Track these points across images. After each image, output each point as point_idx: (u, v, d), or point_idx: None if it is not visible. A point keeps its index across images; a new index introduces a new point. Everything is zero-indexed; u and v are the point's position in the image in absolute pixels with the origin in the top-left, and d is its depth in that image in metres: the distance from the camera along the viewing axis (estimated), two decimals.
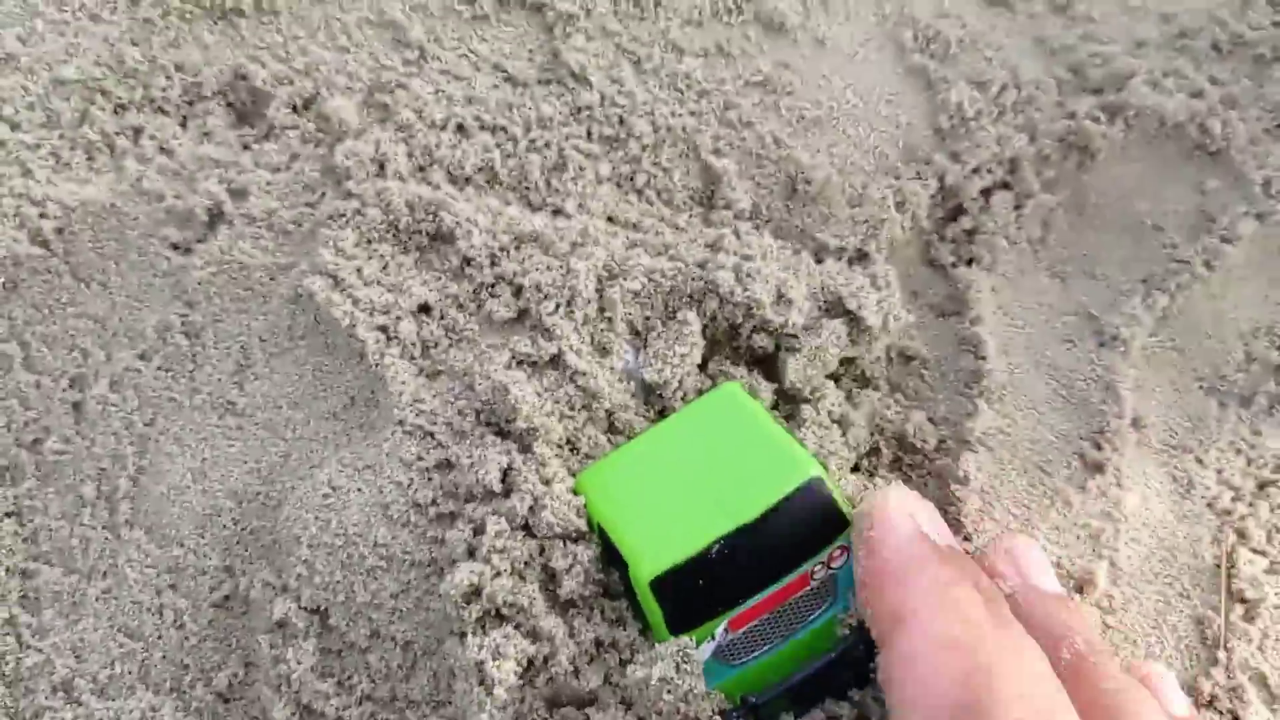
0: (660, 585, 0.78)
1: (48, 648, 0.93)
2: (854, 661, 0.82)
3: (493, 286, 0.97)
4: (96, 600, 0.94)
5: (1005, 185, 1.13)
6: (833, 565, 0.82)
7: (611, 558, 0.83)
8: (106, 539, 0.95)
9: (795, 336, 0.97)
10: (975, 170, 1.11)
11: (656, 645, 0.78)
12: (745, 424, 0.85)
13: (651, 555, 0.79)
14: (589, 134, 1.08)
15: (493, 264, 0.97)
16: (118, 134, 1.08)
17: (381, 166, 1.03)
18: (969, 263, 1.12)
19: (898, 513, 0.79)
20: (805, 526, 0.80)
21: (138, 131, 1.09)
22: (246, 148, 1.09)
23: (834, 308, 0.99)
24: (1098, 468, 1.00)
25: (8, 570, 0.95)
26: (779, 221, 1.09)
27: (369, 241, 0.99)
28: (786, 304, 0.96)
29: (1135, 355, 1.06)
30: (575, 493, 0.85)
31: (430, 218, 0.99)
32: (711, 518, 0.79)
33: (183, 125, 1.10)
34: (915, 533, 0.78)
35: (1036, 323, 1.09)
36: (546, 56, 1.12)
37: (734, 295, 0.94)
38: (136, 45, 1.11)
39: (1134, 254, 1.12)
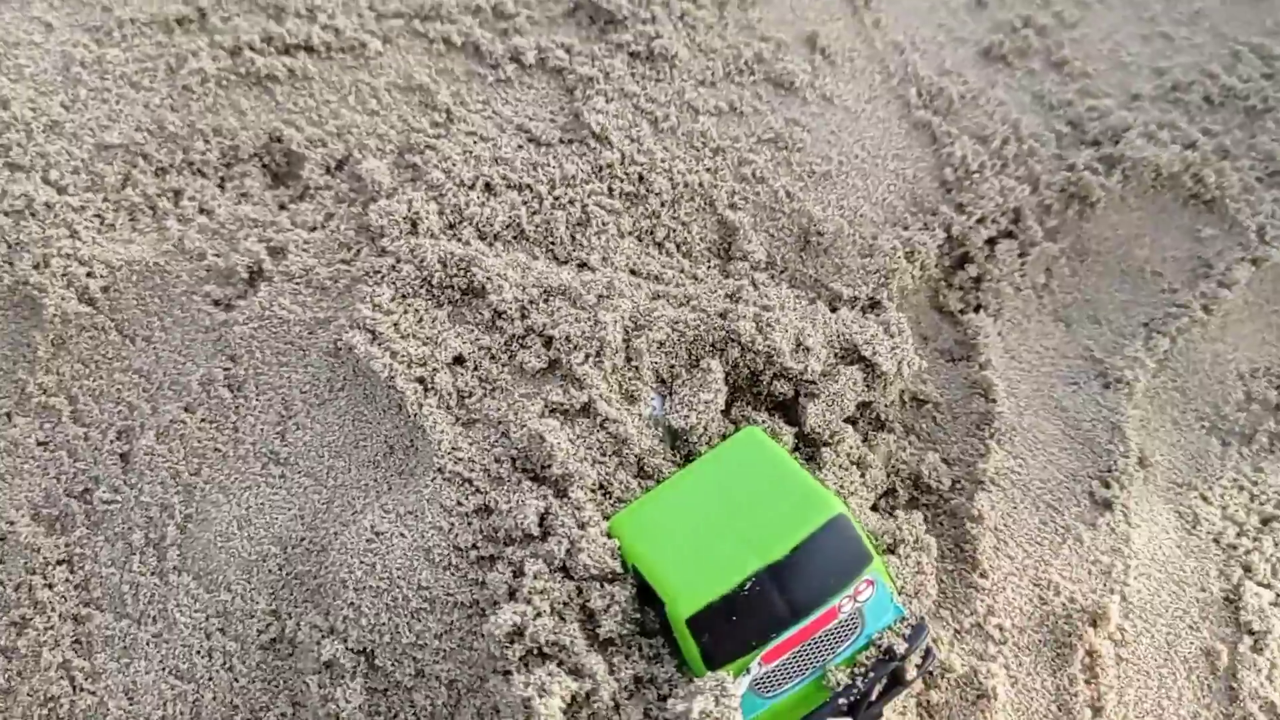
0: (696, 622, 0.82)
1: (101, 690, 0.96)
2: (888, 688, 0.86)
3: (524, 338, 1.01)
4: (148, 644, 0.97)
5: (1009, 234, 1.18)
6: (859, 598, 0.85)
7: (646, 597, 0.87)
8: (156, 585, 0.99)
9: (814, 383, 1.01)
10: (980, 220, 1.16)
11: (694, 680, 0.82)
12: (769, 465, 0.89)
13: (687, 594, 0.82)
14: (610, 191, 1.13)
15: (523, 316, 1.02)
16: (159, 195, 1.13)
17: (414, 224, 1.07)
18: (976, 309, 1.16)
19: None
20: (832, 562, 0.84)
21: (178, 193, 1.14)
22: (283, 207, 1.14)
23: (849, 355, 1.04)
24: (1106, 505, 1.04)
25: (60, 616, 0.98)
26: (794, 271, 1.14)
27: (404, 296, 1.03)
28: (805, 352, 1.01)
29: (1139, 396, 1.10)
30: (609, 535, 0.89)
31: (462, 273, 1.03)
32: (742, 556, 0.83)
33: (221, 187, 1.15)
34: None
35: (1043, 366, 1.14)
36: (568, 118, 1.17)
37: (755, 344, 0.98)
38: (176, 111, 1.16)
39: (1134, 298, 1.17)
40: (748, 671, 0.83)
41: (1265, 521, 1.07)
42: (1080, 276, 1.18)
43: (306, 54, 1.18)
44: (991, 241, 1.18)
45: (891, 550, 0.97)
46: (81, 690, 0.96)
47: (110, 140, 1.14)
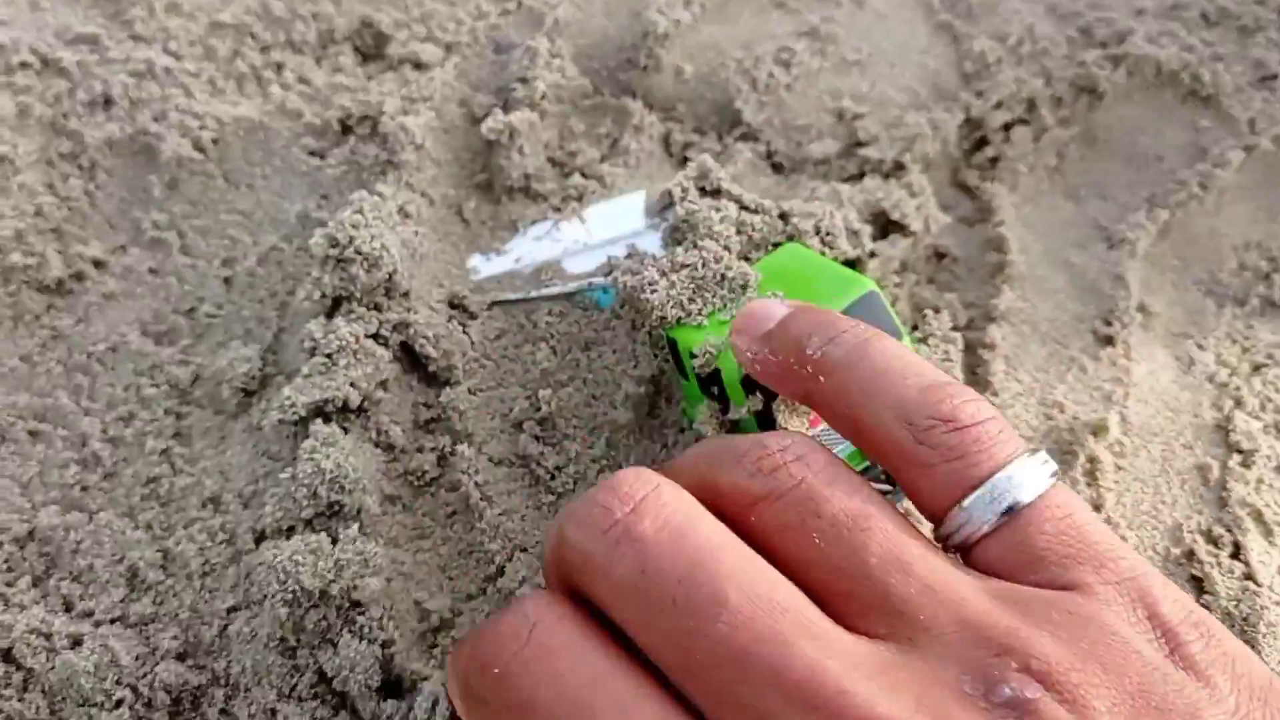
0: (749, 383, 0.90)
1: (198, 471, 1.07)
2: None
3: None
4: (241, 432, 1.09)
5: (1024, 122, 1.30)
6: None
7: (702, 380, 0.95)
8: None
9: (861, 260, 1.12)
10: (997, 105, 1.29)
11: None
12: (809, 262, 1.01)
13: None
14: None
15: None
16: (264, 67, 1.28)
17: None
18: (993, 183, 1.28)
19: None
20: None
21: (280, 66, 1.28)
22: (370, 79, 1.28)
23: (878, 219, 1.16)
24: (1109, 341, 1.15)
25: (165, 411, 1.09)
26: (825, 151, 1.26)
27: None
28: (855, 235, 1.12)
29: (1140, 257, 1.21)
30: (669, 337, 0.99)
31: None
32: None
33: (318, 62, 1.29)
34: None
35: (1053, 231, 1.25)
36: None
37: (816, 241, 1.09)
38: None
39: (1139, 178, 1.29)
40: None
41: (1256, 369, 1.17)
42: (1089, 160, 1.30)
43: None
44: (1007, 127, 1.30)
45: (922, 341, 1.07)
46: (180, 472, 1.08)
47: (222, 20, 1.29)
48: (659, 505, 0.55)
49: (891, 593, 0.54)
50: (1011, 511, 0.58)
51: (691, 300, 0.98)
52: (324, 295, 1.03)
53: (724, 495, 0.60)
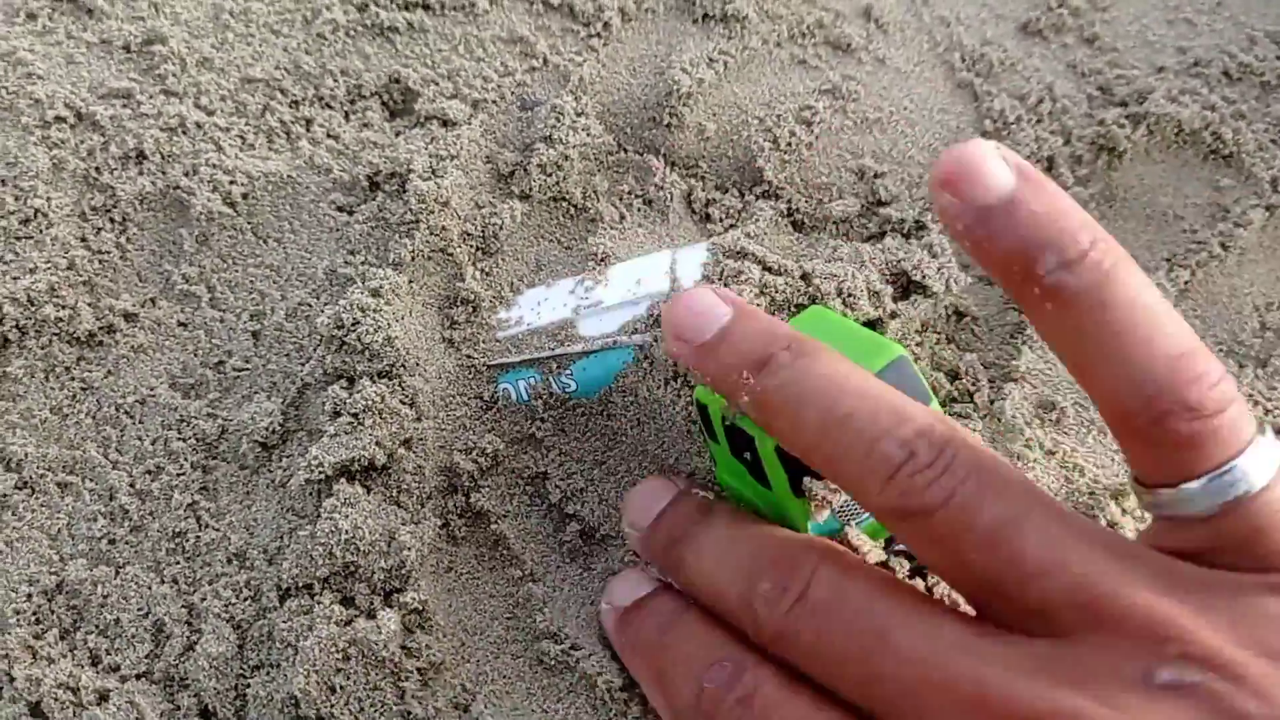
0: (782, 451, 0.89)
1: (224, 526, 1.09)
2: None
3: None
4: (266, 488, 1.10)
5: None
6: None
7: (734, 443, 0.95)
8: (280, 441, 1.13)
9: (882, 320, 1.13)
10: None
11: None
12: (836, 326, 1.02)
13: None
14: None
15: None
16: (294, 122, 1.30)
17: None
18: None
19: None
20: None
21: (309, 121, 1.30)
22: (399, 134, 1.30)
23: (899, 279, 1.17)
24: None
25: (191, 465, 1.11)
26: (846, 208, 1.27)
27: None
28: (876, 296, 1.12)
29: None
30: (699, 403, 0.99)
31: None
32: None
33: (346, 118, 1.31)
34: None
35: None
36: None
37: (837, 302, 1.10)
38: (310, 55, 1.33)
39: (1158, 238, 1.29)
40: (829, 504, 0.92)
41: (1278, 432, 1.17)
42: (1108, 220, 1.31)
43: (424, 10, 1.35)
44: None
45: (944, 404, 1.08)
46: (206, 526, 1.10)
47: (253, 75, 1.31)
48: (819, 580, 0.68)
49: (1048, 594, 0.57)
50: (1235, 500, 0.58)
51: None
52: (326, 374, 1.07)
53: (872, 509, 0.66)
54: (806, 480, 0.90)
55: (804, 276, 1.11)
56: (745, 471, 0.95)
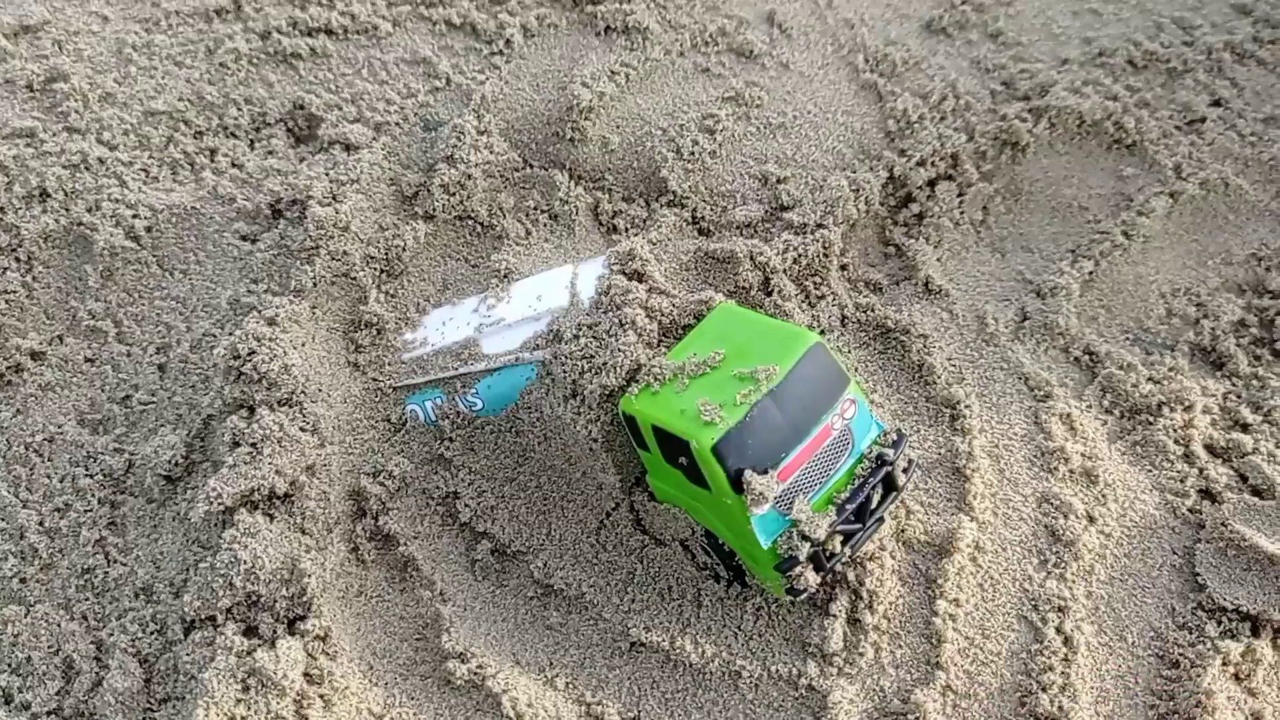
0: (719, 451, 0.93)
1: (131, 561, 1.08)
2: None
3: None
4: (172, 520, 1.10)
5: (949, 177, 1.31)
6: (846, 416, 0.97)
7: (668, 450, 0.97)
8: (183, 472, 1.13)
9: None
10: (920, 163, 1.30)
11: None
12: (748, 321, 1.02)
13: (708, 429, 0.93)
14: None
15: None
16: (197, 153, 1.30)
17: None
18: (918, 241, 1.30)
19: None
20: (818, 384, 0.97)
21: (214, 151, 1.31)
22: (303, 160, 1.30)
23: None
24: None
25: (99, 500, 1.11)
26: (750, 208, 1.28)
27: None
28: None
29: (1066, 311, 1.22)
30: (624, 415, 0.99)
31: None
32: (745, 390, 0.95)
33: (251, 146, 1.32)
34: None
35: (978, 286, 1.26)
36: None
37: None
38: (213, 84, 1.34)
39: (1063, 230, 1.30)
40: (765, 499, 0.93)
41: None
42: (1014, 213, 1.31)
43: (326, 35, 1.36)
44: (932, 183, 1.31)
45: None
46: (114, 562, 1.09)
47: (156, 108, 1.31)
48: None
49: None
50: None
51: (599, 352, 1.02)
52: (226, 405, 1.07)
53: None
54: (746, 474, 0.92)
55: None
56: (682, 476, 0.97)
